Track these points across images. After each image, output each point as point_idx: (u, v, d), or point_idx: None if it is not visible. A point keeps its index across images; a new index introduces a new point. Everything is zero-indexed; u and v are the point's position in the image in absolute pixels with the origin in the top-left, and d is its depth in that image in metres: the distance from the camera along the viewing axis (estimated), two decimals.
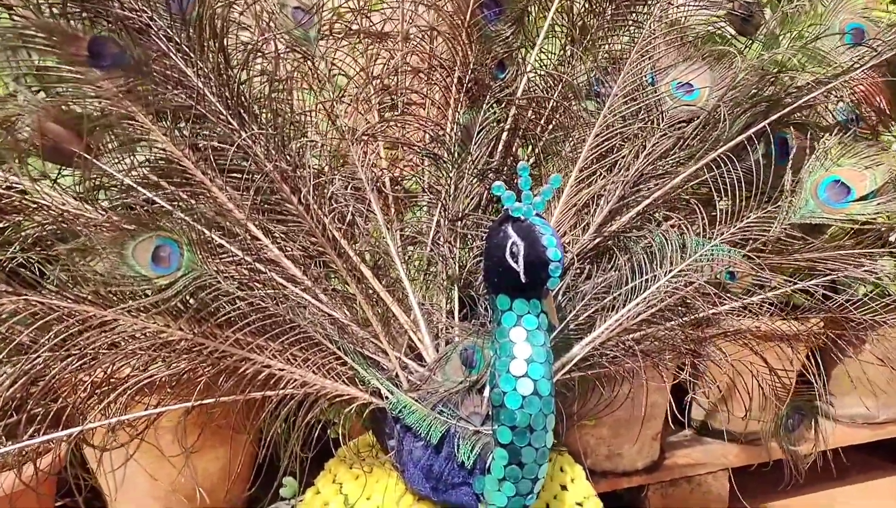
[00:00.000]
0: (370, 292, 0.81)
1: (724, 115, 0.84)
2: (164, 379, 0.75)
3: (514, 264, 0.73)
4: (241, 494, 1.31)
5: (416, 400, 0.81)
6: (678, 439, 1.75)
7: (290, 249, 0.81)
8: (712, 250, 0.85)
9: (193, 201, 0.76)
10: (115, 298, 0.67)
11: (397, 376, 0.83)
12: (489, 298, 0.78)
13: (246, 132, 0.74)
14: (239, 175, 0.77)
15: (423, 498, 0.85)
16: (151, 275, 0.69)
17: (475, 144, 0.84)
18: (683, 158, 0.88)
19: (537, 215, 0.75)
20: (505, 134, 0.87)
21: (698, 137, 0.88)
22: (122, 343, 0.70)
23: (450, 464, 0.80)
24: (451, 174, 0.83)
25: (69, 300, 0.64)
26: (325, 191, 0.77)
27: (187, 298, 0.71)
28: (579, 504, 0.91)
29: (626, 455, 1.58)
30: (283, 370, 0.78)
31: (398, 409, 0.81)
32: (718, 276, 0.89)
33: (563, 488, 0.92)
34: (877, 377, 1.52)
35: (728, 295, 0.89)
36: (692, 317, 0.88)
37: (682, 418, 1.68)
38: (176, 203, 0.73)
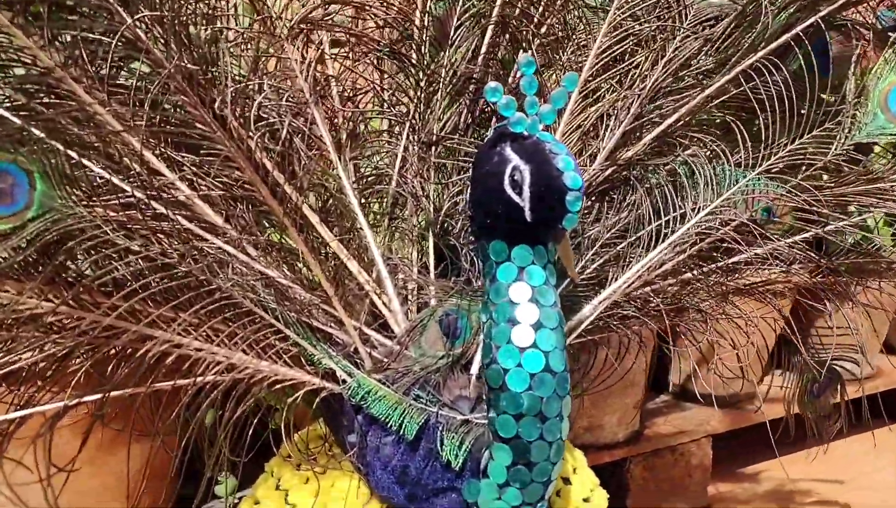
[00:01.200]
0: (317, 243, 0.60)
1: (766, 5, 0.66)
2: (28, 368, 0.53)
3: (515, 197, 0.53)
4: (168, 494, 1.10)
5: (383, 383, 0.62)
6: (656, 406, 1.62)
7: (205, 187, 0.59)
8: (753, 183, 0.68)
9: (63, 123, 0.53)
10: None
11: (357, 352, 0.63)
12: (478, 246, 0.58)
13: (131, 18, 0.51)
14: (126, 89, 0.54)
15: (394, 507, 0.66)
16: None
17: (451, 44, 0.63)
18: (712, 66, 0.70)
19: (545, 129, 0.55)
20: (489, 33, 0.66)
21: (730, 38, 0.70)
22: None
23: (430, 465, 0.61)
24: (420, 84, 0.62)
25: None
26: (250, 103, 0.55)
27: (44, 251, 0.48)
28: (586, 500, 0.74)
29: (606, 427, 1.43)
30: (201, 350, 0.57)
31: (359, 395, 0.61)
32: (754, 214, 0.71)
33: (566, 481, 0.75)
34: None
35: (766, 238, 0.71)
36: (723, 266, 0.70)
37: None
38: (33, 119, 0.50)
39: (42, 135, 0.48)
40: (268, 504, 0.71)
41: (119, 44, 0.52)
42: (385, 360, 0.62)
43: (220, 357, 0.58)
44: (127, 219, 0.55)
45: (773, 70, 0.67)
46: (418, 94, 0.61)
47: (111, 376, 0.55)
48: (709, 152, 0.68)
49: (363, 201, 0.62)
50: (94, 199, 0.54)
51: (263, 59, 0.57)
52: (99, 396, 0.54)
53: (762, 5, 0.67)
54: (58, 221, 0.48)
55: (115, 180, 0.57)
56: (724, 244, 0.67)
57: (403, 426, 0.60)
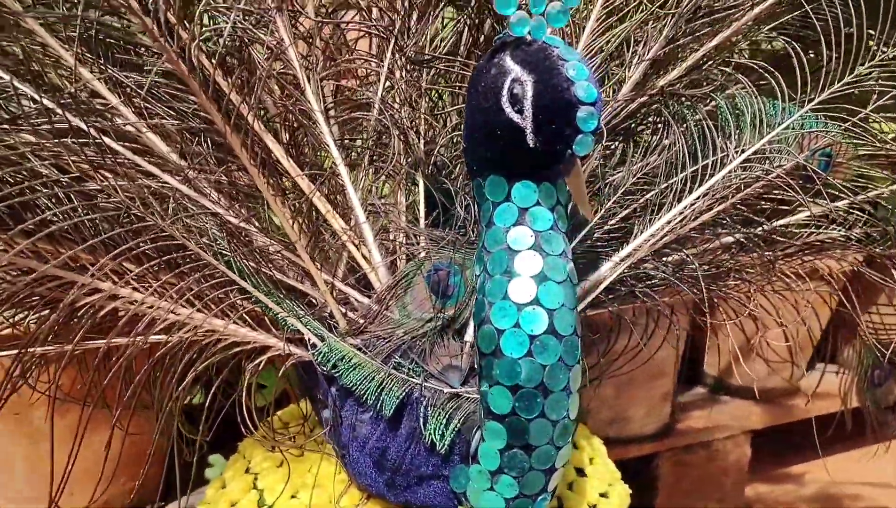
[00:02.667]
0: (281, 180, 0.51)
1: None
2: None
3: (515, 116, 0.43)
4: (154, 479, 1.02)
5: (360, 349, 0.52)
6: (690, 399, 1.49)
7: (156, 115, 0.50)
8: (804, 121, 0.56)
9: None
10: None
11: (331, 314, 0.53)
12: (474, 186, 0.48)
13: None
14: None
15: (374, 496, 0.56)
16: None
17: None
18: None
19: (553, 34, 0.45)
20: None
21: None
22: None
23: (413, 447, 0.51)
24: None
25: None
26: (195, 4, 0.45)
27: None
28: (604, 496, 0.63)
29: (633, 419, 1.32)
30: (137, 301, 0.48)
31: (331, 363, 0.52)
32: (809, 162, 0.60)
33: (581, 473, 0.65)
34: None
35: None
36: (770, 229, 0.59)
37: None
38: None
39: None
40: (234, 488, 0.62)
41: None
42: (362, 321, 0.52)
43: (162, 312, 0.49)
44: (61, 148, 0.46)
45: None
46: (406, 2, 0.51)
47: (35, 329, 0.46)
48: (754, 84, 0.57)
49: (338, 132, 0.52)
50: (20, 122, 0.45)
51: None
52: (15, 352, 0.45)
53: None
54: None
55: (46, 102, 0.49)
56: (773, 196, 0.56)
57: (381, 400, 0.50)
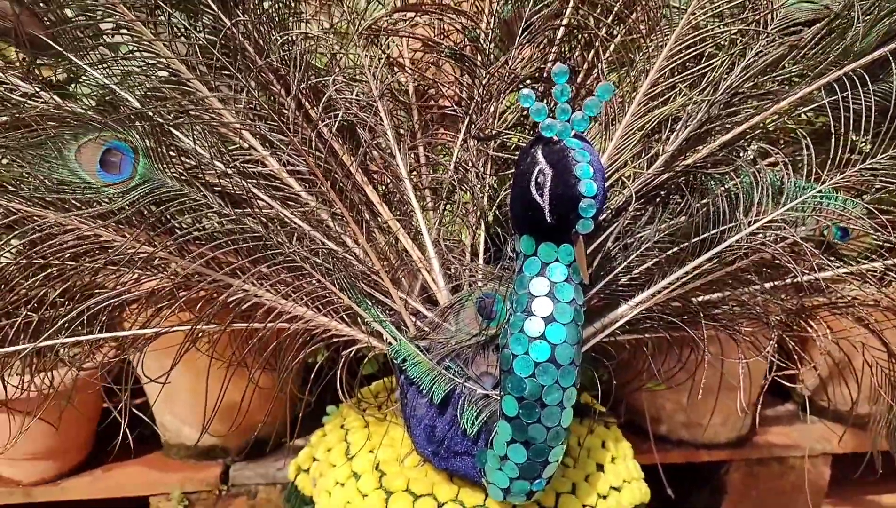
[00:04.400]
0: (373, 222, 0.68)
1: (859, 15, 0.62)
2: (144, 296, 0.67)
3: (538, 198, 0.57)
4: (285, 419, 1.27)
5: (422, 350, 0.69)
6: (776, 414, 1.54)
7: (291, 163, 0.69)
8: (819, 197, 0.65)
9: (185, 104, 0.65)
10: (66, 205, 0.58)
11: (403, 321, 0.71)
12: (514, 239, 0.63)
13: (231, 20, 0.61)
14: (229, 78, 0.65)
15: (426, 461, 0.74)
16: (97, 182, 0.60)
17: (517, 44, 0.67)
18: (795, 75, 0.67)
19: (577, 136, 0.58)
20: (561, 33, 0.68)
21: (819, 46, 0.66)
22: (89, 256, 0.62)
23: (453, 429, 0.68)
24: (483, 81, 0.66)
25: (27, 203, 0.56)
26: (321, 93, 0.63)
27: (153, 209, 0.61)
28: (616, 489, 0.77)
29: (709, 427, 1.39)
30: (272, 300, 0.68)
31: (400, 357, 0.69)
32: (826, 233, 0.68)
33: (600, 468, 0.78)
34: None
35: (835, 259, 0.68)
36: (784, 282, 0.68)
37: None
38: (150, 104, 0.63)
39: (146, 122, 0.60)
40: (331, 438, 0.82)
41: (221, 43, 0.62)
42: (426, 329, 0.69)
43: (287, 308, 0.69)
44: (221, 187, 0.67)
45: (859, 83, 0.63)
46: (479, 90, 0.66)
47: (200, 312, 0.68)
48: (777, 166, 0.66)
49: (419, 186, 0.68)
50: (194, 170, 0.65)
51: (344, 59, 0.65)
52: (188, 328, 0.67)
53: (855, 13, 0.63)
54: (154, 189, 0.60)
55: (201, 151, 0.68)
56: (777, 261, 0.65)
57: (432, 391, 0.67)
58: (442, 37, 0.67)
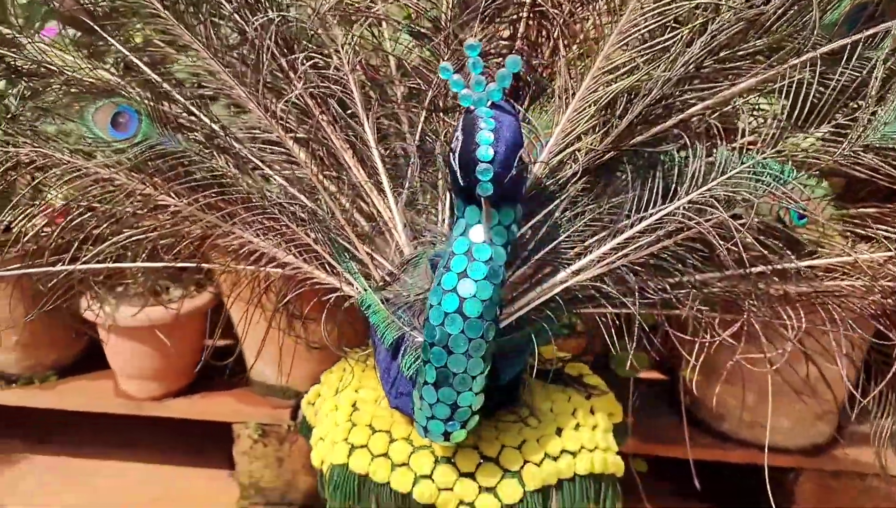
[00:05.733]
0: (350, 182, 0.77)
1: None
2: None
3: (452, 162, 0.63)
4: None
5: (382, 300, 0.77)
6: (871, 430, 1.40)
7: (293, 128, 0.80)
8: (757, 167, 0.63)
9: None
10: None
11: (370, 274, 0.79)
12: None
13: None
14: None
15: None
16: (108, 138, 0.74)
17: (479, 18, 0.72)
18: (758, 51, 0.65)
19: (495, 105, 0.63)
20: (520, 12, 0.72)
21: (783, 18, 0.64)
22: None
23: (401, 373, 0.75)
24: (444, 55, 0.72)
25: (65, 153, 0.73)
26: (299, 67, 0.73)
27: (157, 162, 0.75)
28: (570, 453, 0.79)
29: (774, 429, 1.32)
30: (260, 246, 0.79)
31: (365, 305, 0.78)
32: (782, 215, 0.66)
33: (558, 433, 0.81)
34: None
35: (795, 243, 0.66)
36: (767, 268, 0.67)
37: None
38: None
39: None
40: (333, 377, 0.93)
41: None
42: (386, 280, 0.77)
43: (275, 253, 0.80)
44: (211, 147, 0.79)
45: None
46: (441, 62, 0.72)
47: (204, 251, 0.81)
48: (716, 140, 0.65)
49: (383, 151, 0.76)
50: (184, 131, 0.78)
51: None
52: (194, 265, 0.81)
53: None
54: (153, 146, 0.74)
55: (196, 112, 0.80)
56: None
57: (384, 337, 0.75)
58: (407, 18, 0.74)
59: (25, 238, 0.81)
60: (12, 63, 0.76)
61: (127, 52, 0.76)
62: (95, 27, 0.74)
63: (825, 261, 0.71)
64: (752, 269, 0.67)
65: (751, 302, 0.72)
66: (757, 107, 0.65)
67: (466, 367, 0.66)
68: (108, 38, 0.75)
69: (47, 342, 1.42)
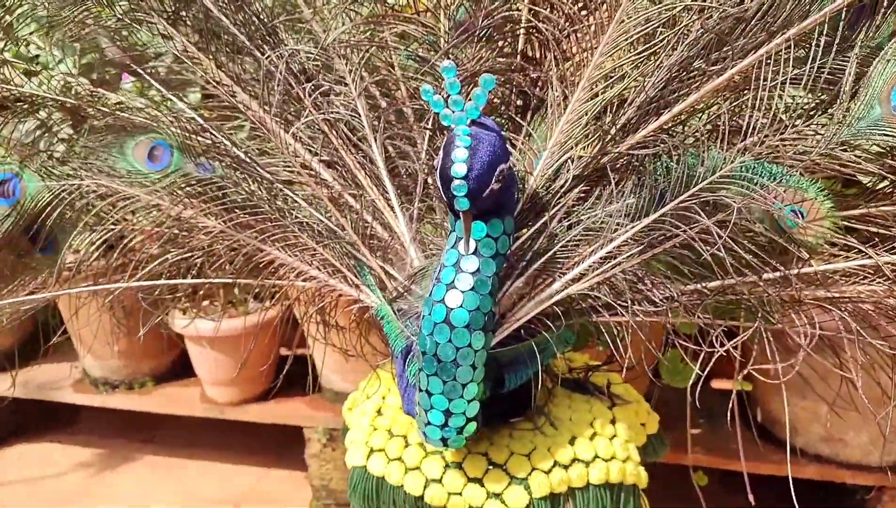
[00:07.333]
0: (364, 198, 0.82)
1: None
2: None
3: (437, 179, 0.66)
4: None
5: (395, 311, 0.81)
6: None
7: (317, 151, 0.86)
8: (743, 169, 0.61)
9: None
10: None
11: (385, 286, 0.83)
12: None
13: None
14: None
15: None
16: (145, 170, 0.83)
17: (476, 43, 0.74)
18: (742, 49, 0.64)
19: (476, 123, 0.65)
20: (512, 33, 0.74)
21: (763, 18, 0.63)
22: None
23: (409, 380, 0.79)
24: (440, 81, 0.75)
25: (116, 182, 0.83)
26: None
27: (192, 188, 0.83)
28: (583, 462, 0.79)
29: (851, 444, 1.24)
30: (288, 262, 0.86)
31: (380, 316, 0.82)
32: (779, 217, 0.64)
33: (572, 441, 0.81)
34: None
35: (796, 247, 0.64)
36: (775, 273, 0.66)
37: None
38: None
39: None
40: (371, 383, 0.98)
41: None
42: (400, 292, 0.81)
43: (303, 268, 0.86)
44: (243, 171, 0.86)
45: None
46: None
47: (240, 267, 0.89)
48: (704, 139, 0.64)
49: (391, 169, 0.80)
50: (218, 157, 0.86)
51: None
52: (229, 281, 0.88)
53: None
54: (185, 175, 0.82)
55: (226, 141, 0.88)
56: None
57: (394, 346, 0.79)
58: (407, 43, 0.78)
59: (122, 256, 0.92)
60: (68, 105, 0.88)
61: (166, 92, 0.85)
62: (140, 71, 0.85)
63: (843, 265, 0.68)
64: (765, 276, 0.65)
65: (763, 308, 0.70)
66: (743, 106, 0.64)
67: (455, 375, 0.68)
68: (157, 85, 0.85)
69: (143, 352, 1.58)
